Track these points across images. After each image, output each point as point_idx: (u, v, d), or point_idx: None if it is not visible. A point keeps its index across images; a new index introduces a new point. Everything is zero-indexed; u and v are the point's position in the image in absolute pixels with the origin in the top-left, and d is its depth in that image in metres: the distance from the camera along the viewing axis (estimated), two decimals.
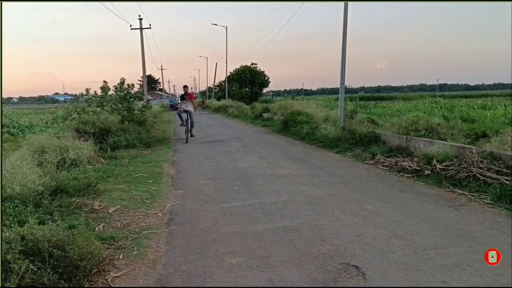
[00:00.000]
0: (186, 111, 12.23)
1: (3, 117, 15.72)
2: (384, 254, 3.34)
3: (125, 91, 12.32)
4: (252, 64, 49.21)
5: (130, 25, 23.60)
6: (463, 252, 3.35)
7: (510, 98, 24.86)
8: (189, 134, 12.22)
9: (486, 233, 3.81)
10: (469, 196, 5.03)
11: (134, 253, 3.49)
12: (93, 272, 2.97)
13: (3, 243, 2.74)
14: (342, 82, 11.13)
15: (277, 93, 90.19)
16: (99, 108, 11.10)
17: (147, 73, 26.07)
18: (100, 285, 2.92)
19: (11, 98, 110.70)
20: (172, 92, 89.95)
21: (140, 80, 43.31)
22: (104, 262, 3.14)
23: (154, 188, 5.91)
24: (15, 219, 3.46)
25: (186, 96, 12.76)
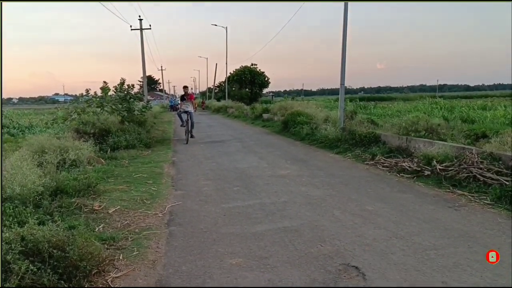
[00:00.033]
0: (186, 112, 12.20)
1: (3, 118, 15.73)
2: (384, 254, 3.34)
3: (125, 92, 12.33)
4: (252, 64, 49.32)
5: (130, 26, 23.68)
6: (463, 253, 3.35)
7: (510, 99, 24.87)
8: (189, 135, 12.19)
9: (486, 233, 3.81)
10: (469, 196, 5.03)
11: (134, 253, 3.49)
12: (93, 272, 2.97)
13: (3, 243, 2.74)
14: (342, 83, 11.14)
15: (277, 94, 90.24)
16: (99, 109, 11.10)
17: (147, 74, 26.10)
18: (100, 285, 2.92)
19: (11, 98, 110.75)
20: (172, 92, 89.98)
21: (140, 81, 43.34)
22: (104, 263, 3.14)
23: (154, 188, 5.91)
24: (15, 220, 3.47)
25: (186, 96, 12.73)
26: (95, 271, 3.01)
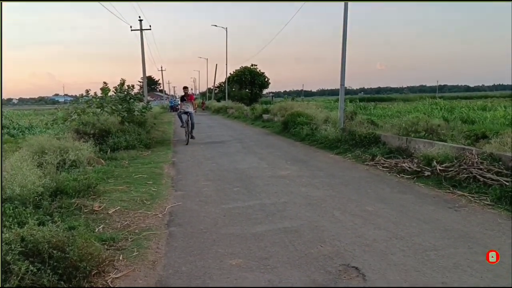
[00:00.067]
0: (186, 113, 12.18)
1: (3, 118, 15.73)
2: (384, 255, 3.34)
3: (125, 92, 12.32)
4: (252, 65, 49.39)
5: (130, 27, 23.71)
6: (463, 254, 3.34)
7: (510, 99, 24.86)
8: (190, 136, 12.17)
9: (486, 234, 3.80)
10: (469, 197, 5.02)
11: (134, 254, 3.49)
12: (93, 273, 2.97)
13: (3, 244, 2.74)
14: (342, 83, 11.14)
15: (277, 94, 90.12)
16: (99, 109, 11.10)
17: (147, 74, 26.12)
18: (100, 286, 2.91)
19: (11, 99, 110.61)
20: (172, 93, 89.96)
21: (140, 81, 43.32)
22: (104, 263, 3.14)
23: (154, 189, 5.91)
24: (15, 220, 3.47)
25: (186, 97, 12.70)
26: (95, 271, 3.01)
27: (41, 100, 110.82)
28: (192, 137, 12.26)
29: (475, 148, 6.27)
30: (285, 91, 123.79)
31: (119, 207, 4.86)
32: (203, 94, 72.55)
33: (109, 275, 3.06)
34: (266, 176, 6.82)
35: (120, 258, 3.38)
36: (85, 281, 2.86)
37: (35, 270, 2.63)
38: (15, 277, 2.55)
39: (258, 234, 3.93)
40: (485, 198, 4.90)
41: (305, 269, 3.11)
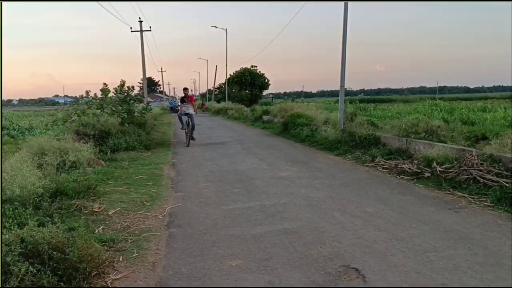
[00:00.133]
0: (186, 114, 12.14)
1: (3, 119, 15.73)
2: (384, 256, 3.34)
3: (125, 93, 12.34)
4: (252, 66, 49.38)
5: (131, 28, 23.71)
6: (463, 255, 3.34)
7: (510, 101, 24.86)
8: (190, 137, 12.11)
9: (486, 235, 3.80)
10: (469, 198, 5.02)
11: (134, 255, 3.49)
12: (92, 274, 2.97)
13: (3, 245, 2.74)
14: (342, 85, 11.14)
15: (277, 96, 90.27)
16: (99, 110, 11.10)
17: (147, 76, 26.12)
18: (100, 287, 2.91)
19: (11, 100, 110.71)
20: (172, 94, 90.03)
21: (140, 83, 43.44)
22: (104, 265, 3.14)
23: (154, 190, 5.91)
24: (15, 221, 3.47)
25: (186, 98, 12.67)
26: (95, 272, 3.00)
27: (41, 101, 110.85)
28: (193, 138, 12.23)
29: (475, 149, 6.27)
30: (285, 92, 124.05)
31: (119, 208, 4.86)
32: (203, 95, 72.60)
33: (109, 276, 3.06)
34: (266, 177, 6.82)
35: (120, 259, 3.38)
36: (85, 282, 2.85)
37: (35, 271, 2.63)
38: (15, 278, 2.55)
39: (258, 235, 3.93)
40: (485, 199, 4.90)
41: (305, 270, 3.10)
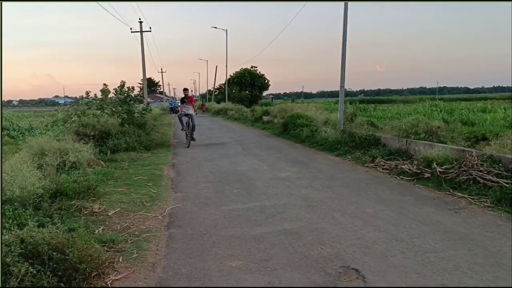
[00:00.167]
0: (187, 115, 12.12)
1: (3, 120, 15.73)
2: (384, 257, 3.34)
3: (125, 94, 12.34)
4: (252, 67, 49.30)
5: (131, 28, 23.72)
6: (463, 255, 3.34)
7: (510, 101, 24.86)
8: (190, 138, 12.08)
9: (486, 236, 3.80)
10: (469, 199, 5.02)
11: (134, 256, 3.49)
12: (92, 275, 2.97)
13: (3, 245, 2.73)
14: (342, 85, 11.15)
15: (277, 96, 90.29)
16: (99, 111, 11.10)
17: (147, 76, 26.13)
18: (100, 287, 2.91)
19: (11, 101, 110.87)
20: (172, 95, 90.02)
21: (140, 83, 43.46)
22: (104, 265, 3.14)
23: (154, 191, 5.91)
24: (15, 222, 3.47)
25: (186, 99, 12.63)
26: (95, 273, 3.00)
27: (41, 102, 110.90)
28: (193, 139, 12.19)
29: (475, 150, 6.27)
30: (285, 93, 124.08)
31: (119, 209, 4.86)
32: (203, 96, 72.60)
33: (109, 277, 3.06)
34: (266, 178, 6.82)
35: (120, 260, 3.38)
36: (85, 283, 2.85)
37: (35, 271, 2.63)
38: (14, 279, 2.55)
39: (258, 236, 3.93)
40: (485, 200, 4.90)
41: (305, 271, 3.10)
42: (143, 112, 13.33)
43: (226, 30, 38.12)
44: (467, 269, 3.07)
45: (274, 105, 26.39)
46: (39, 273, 2.64)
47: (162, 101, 69.49)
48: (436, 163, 6.13)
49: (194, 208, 5.04)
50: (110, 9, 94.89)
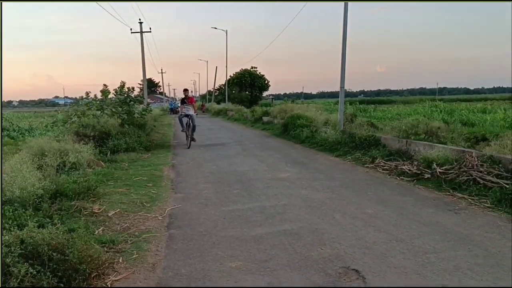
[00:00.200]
0: (187, 115, 12.11)
1: (3, 120, 15.73)
2: (384, 258, 3.34)
3: (125, 95, 12.33)
4: (252, 67, 49.27)
5: (131, 29, 23.72)
6: (463, 256, 3.34)
7: (509, 102, 24.86)
8: (191, 139, 12.06)
9: (486, 237, 3.80)
10: (469, 199, 5.02)
11: (134, 256, 3.48)
12: (92, 275, 2.97)
13: (3, 246, 2.73)
14: (342, 86, 11.15)
15: (277, 97, 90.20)
16: (99, 112, 11.10)
17: (147, 77, 26.12)
18: None
19: (11, 101, 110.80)
20: (172, 95, 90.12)
21: (140, 84, 43.45)
22: (104, 266, 3.14)
23: (154, 191, 5.91)
24: (15, 223, 3.46)
25: (186, 100, 12.61)
26: (95, 274, 3.00)
27: (41, 102, 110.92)
28: (193, 140, 12.16)
29: (475, 150, 6.27)
30: (285, 93, 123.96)
31: (119, 209, 4.85)
32: (203, 97, 72.61)
33: (109, 278, 3.06)
34: (266, 178, 6.82)
35: (120, 260, 3.38)
36: (85, 283, 2.85)
37: (35, 272, 2.63)
38: (14, 279, 2.55)
39: (258, 236, 3.93)
40: (485, 200, 4.90)
41: (305, 272, 3.10)
42: (143, 112, 13.33)
43: (226, 30, 38.16)
44: (467, 270, 3.07)
45: (274, 106, 26.40)
46: (39, 274, 2.64)
47: (162, 102, 69.52)
48: (436, 164, 6.13)
49: (194, 208, 5.04)
50: (110, 9, 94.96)
